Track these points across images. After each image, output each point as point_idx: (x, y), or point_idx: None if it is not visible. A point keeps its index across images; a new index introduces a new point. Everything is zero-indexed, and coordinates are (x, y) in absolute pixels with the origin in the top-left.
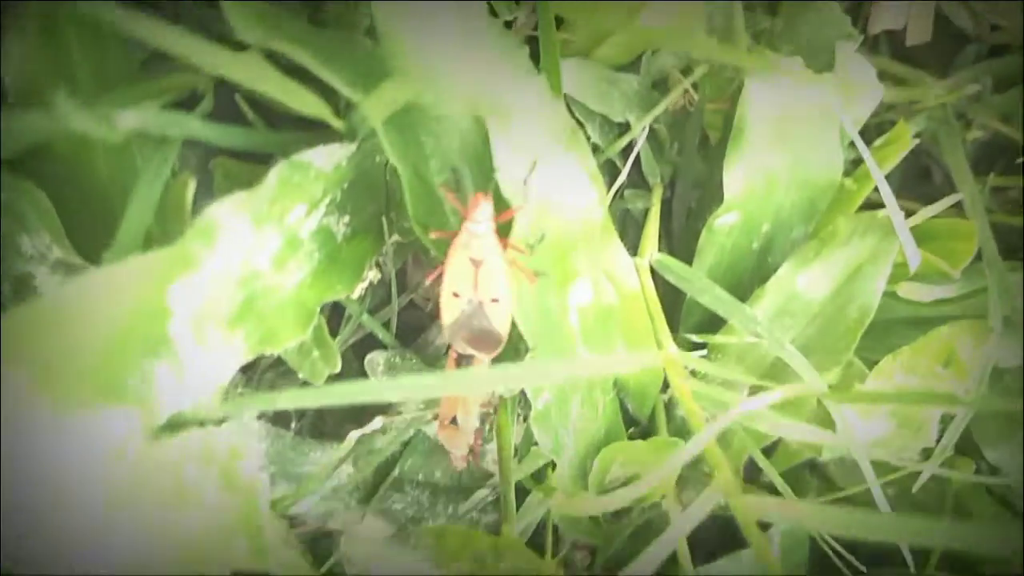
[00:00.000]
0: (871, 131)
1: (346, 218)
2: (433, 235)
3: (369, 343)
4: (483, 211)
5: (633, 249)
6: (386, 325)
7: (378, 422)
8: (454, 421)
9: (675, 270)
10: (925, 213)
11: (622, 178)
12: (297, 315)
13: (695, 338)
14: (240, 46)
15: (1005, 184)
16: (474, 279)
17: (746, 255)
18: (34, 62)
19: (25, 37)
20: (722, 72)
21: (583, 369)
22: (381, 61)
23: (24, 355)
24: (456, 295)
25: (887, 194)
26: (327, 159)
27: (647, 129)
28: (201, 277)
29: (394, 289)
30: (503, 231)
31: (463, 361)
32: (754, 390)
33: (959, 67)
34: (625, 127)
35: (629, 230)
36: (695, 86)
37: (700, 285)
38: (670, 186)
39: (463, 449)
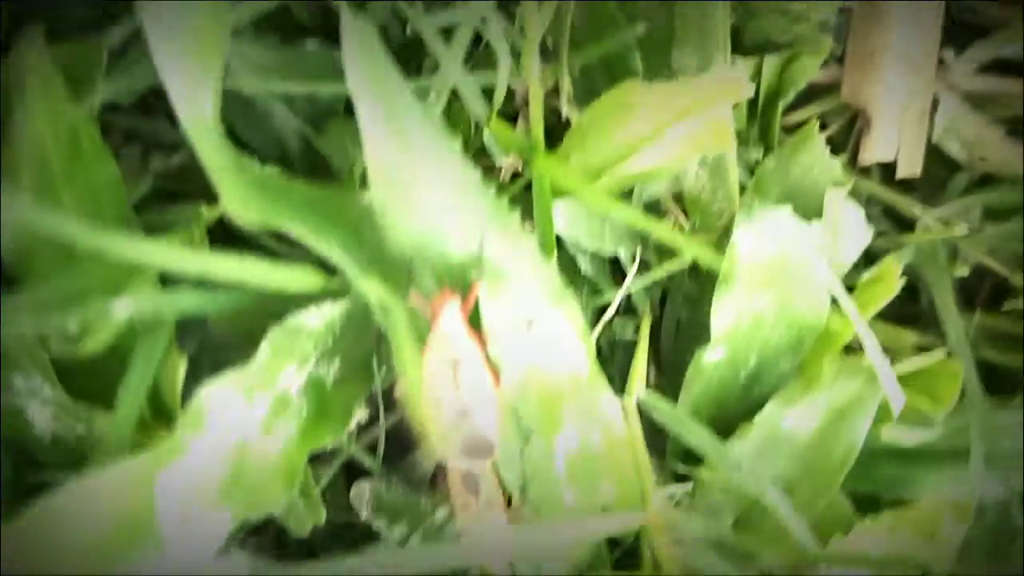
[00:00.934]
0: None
1: (336, 362)
2: (414, 299)
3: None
4: (452, 307)
5: (622, 376)
6: (373, 448)
7: None
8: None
9: (662, 409)
10: (910, 365)
11: (611, 312)
12: (286, 476)
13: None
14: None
15: (992, 323)
16: (455, 381)
17: (733, 387)
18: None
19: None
20: (711, 205)
21: (568, 533)
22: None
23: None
24: (438, 401)
25: (870, 345)
26: (319, 319)
27: (638, 261)
28: (189, 461)
29: (381, 411)
30: (475, 321)
31: (468, 477)
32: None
33: (950, 196)
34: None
35: (618, 356)
36: (685, 212)
37: (686, 426)
38: (660, 304)
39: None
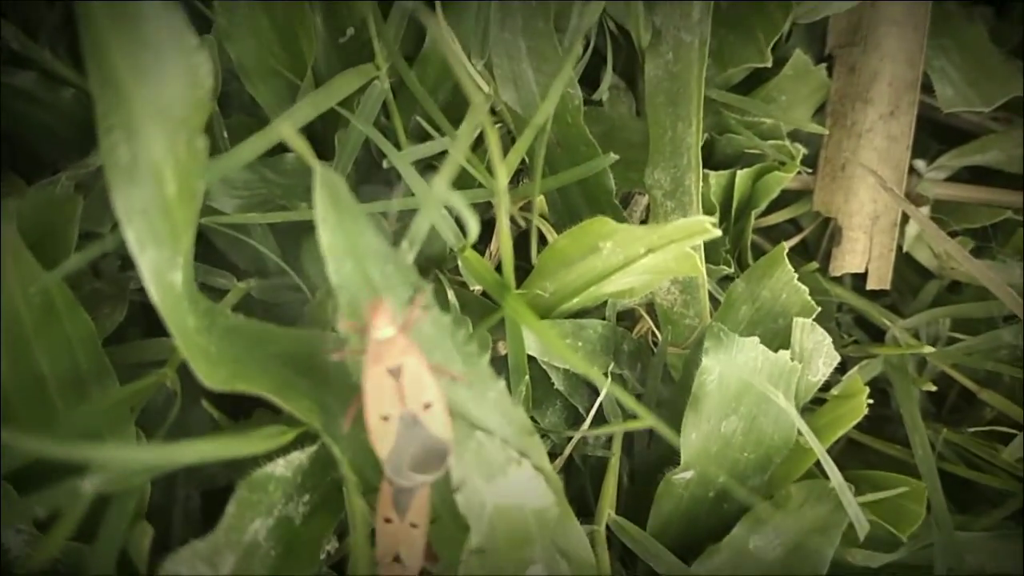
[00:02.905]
0: None
1: (305, 498)
2: (334, 357)
3: None
4: (385, 316)
5: (595, 489)
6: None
7: None
8: (397, 558)
9: (630, 533)
10: (876, 495)
11: (585, 426)
12: None
13: None
14: None
15: (958, 440)
16: (398, 392)
17: (702, 504)
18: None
19: None
20: (682, 319)
21: None
22: (345, 380)
23: None
24: (385, 419)
25: (834, 474)
26: (287, 467)
27: (609, 378)
28: None
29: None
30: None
31: (402, 497)
32: None
33: (920, 306)
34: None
35: (591, 468)
36: (657, 324)
37: (654, 552)
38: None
39: None
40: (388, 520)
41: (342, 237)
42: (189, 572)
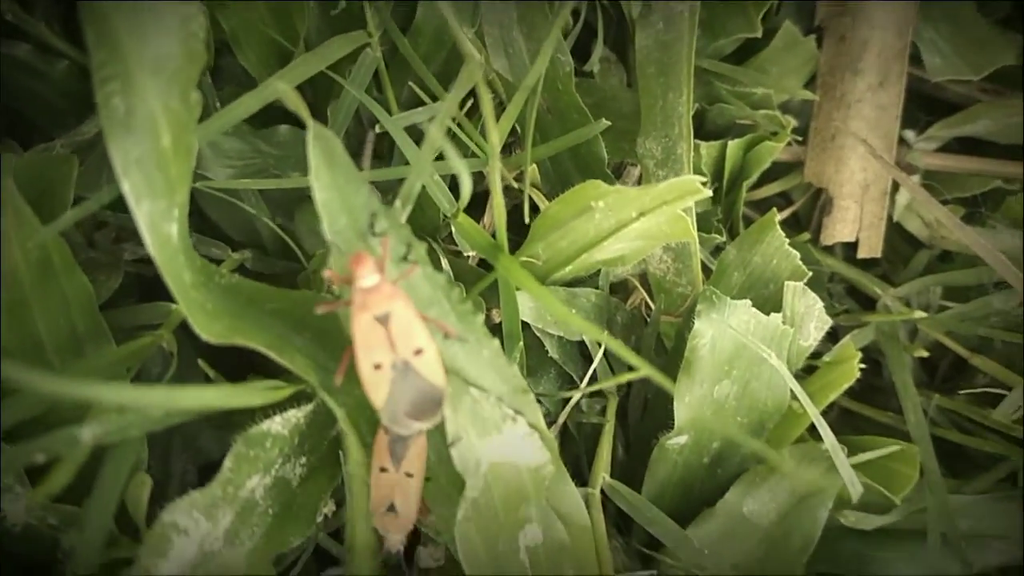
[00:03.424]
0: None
1: (302, 460)
2: (320, 309)
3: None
4: (368, 265)
5: (589, 457)
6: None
7: None
8: (392, 508)
9: (625, 496)
10: (869, 455)
11: (577, 397)
12: None
13: (646, 551)
14: None
15: (950, 405)
16: (388, 339)
17: (697, 470)
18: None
19: None
20: (675, 288)
21: None
22: (339, 338)
23: None
24: (378, 367)
25: (827, 435)
26: (283, 424)
27: (603, 347)
28: None
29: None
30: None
31: (397, 446)
32: None
33: (911, 274)
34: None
35: (585, 437)
36: (650, 293)
37: (649, 515)
38: (628, 383)
39: (402, 534)
40: (384, 470)
41: (336, 193)
42: (187, 523)
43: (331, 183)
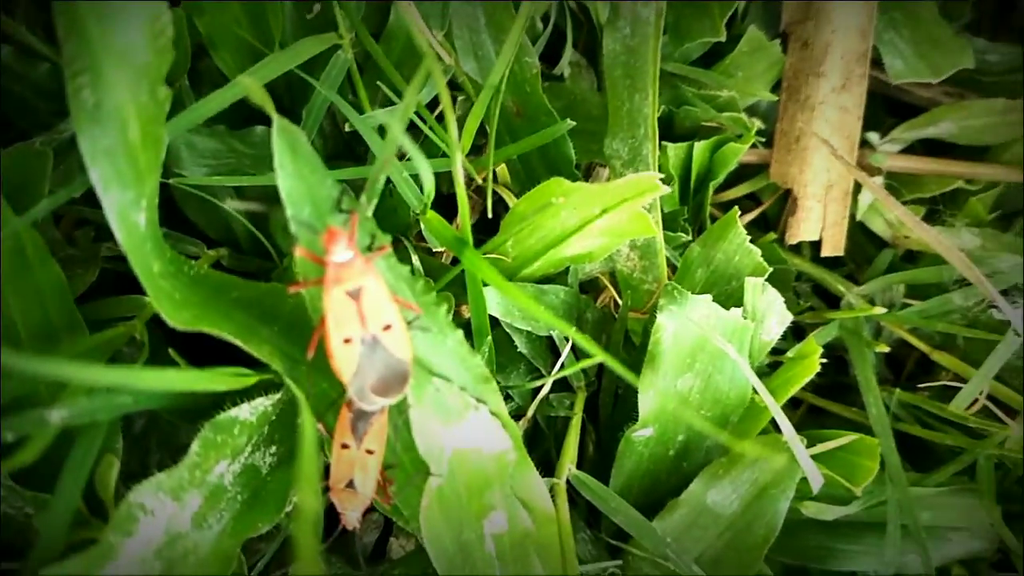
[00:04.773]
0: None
1: (272, 448)
2: (292, 289)
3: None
4: (341, 240)
5: (559, 451)
6: None
7: None
8: (350, 484)
9: (591, 488)
10: (827, 445)
11: (545, 391)
12: (219, 566)
13: (612, 542)
14: None
15: (911, 400)
16: (359, 313)
17: (663, 462)
18: None
19: None
20: (642, 284)
21: None
22: (305, 325)
23: None
24: (348, 341)
25: (786, 426)
26: (252, 412)
27: (571, 341)
28: (121, 564)
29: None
30: None
31: (360, 422)
32: None
33: (875, 273)
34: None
35: (556, 431)
36: (619, 291)
37: (613, 505)
38: (598, 378)
39: (359, 510)
40: (345, 446)
41: (300, 183)
42: (153, 503)
43: (295, 172)
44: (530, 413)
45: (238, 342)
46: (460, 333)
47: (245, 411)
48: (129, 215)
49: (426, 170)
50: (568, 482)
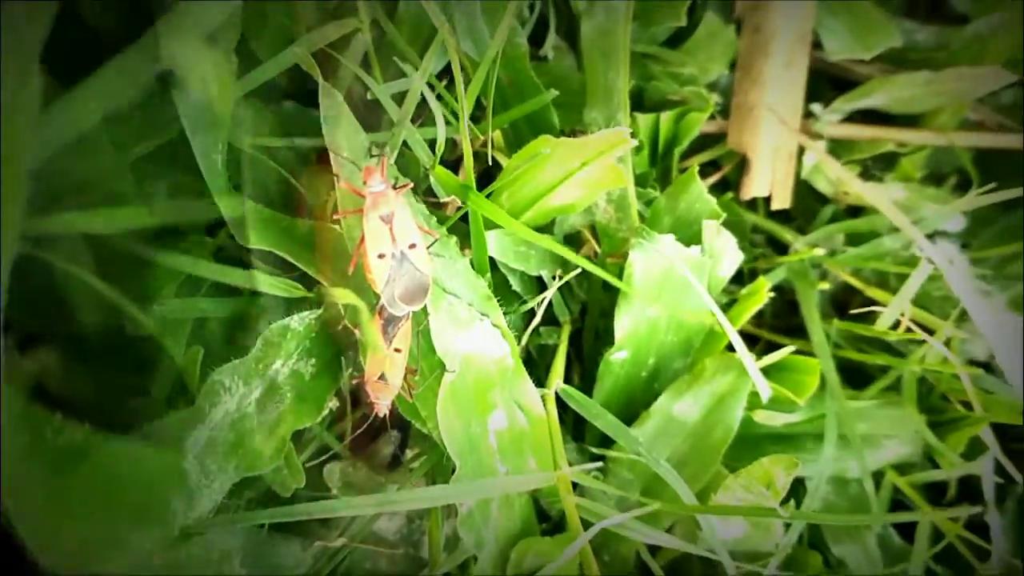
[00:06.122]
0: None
1: (312, 360)
2: (336, 215)
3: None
4: (377, 175)
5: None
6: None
7: (339, 542)
8: (382, 378)
9: (575, 398)
10: (773, 357)
11: (536, 320)
12: (275, 444)
13: (595, 450)
14: None
15: (849, 328)
16: (390, 234)
17: (637, 382)
18: None
19: None
20: (617, 233)
21: (494, 489)
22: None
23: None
24: (382, 256)
25: (738, 343)
26: (300, 322)
27: (558, 279)
28: (207, 426)
29: (348, 408)
30: None
31: (390, 324)
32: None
33: (819, 225)
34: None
35: (546, 360)
36: (598, 241)
37: (594, 412)
38: (582, 316)
39: (388, 399)
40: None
41: (341, 132)
42: (230, 383)
43: (337, 124)
44: (523, 341)
45: (293, 259)
46: (467, 260)
47: (295, 320)
48: (210, 154)
49: (440, 123)
50: (557, 396)
